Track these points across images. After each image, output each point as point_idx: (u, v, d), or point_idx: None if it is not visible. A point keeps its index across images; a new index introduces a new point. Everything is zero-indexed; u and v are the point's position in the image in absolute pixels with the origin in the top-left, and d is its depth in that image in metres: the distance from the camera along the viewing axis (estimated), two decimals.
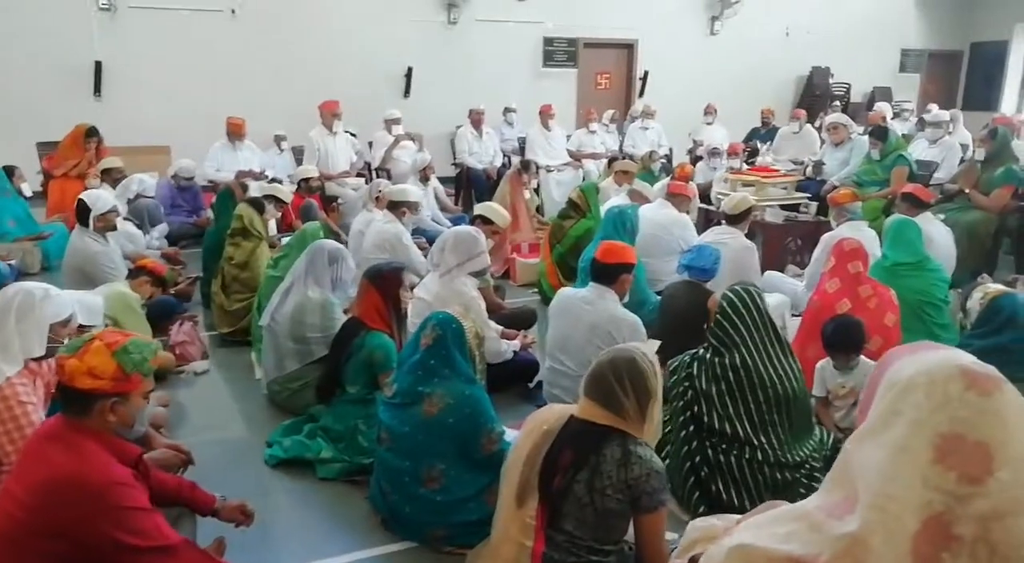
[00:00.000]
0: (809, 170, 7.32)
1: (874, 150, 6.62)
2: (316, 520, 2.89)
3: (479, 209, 4.78)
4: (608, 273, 3.48)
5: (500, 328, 4.17)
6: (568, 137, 9.57)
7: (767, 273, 5.45)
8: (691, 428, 2.85)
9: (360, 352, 3.15)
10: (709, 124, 9.90)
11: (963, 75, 14.71)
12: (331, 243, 3.81)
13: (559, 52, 11.60)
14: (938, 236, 5.08)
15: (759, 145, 8.82)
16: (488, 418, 2.65)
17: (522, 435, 2.25)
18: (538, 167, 8.35)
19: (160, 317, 4.60)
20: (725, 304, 2.84)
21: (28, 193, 6.72)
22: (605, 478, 2.03)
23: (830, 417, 3.37)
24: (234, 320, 4.66)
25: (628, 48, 12.14)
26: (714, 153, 8.22)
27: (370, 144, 8.83)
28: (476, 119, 8.96)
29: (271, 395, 3.80)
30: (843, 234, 4.76)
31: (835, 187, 6.20)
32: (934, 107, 9.83)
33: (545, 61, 11.53)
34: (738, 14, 12.18)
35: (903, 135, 9.07)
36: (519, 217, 6.35)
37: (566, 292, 3.65)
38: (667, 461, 2.98)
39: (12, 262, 5.82)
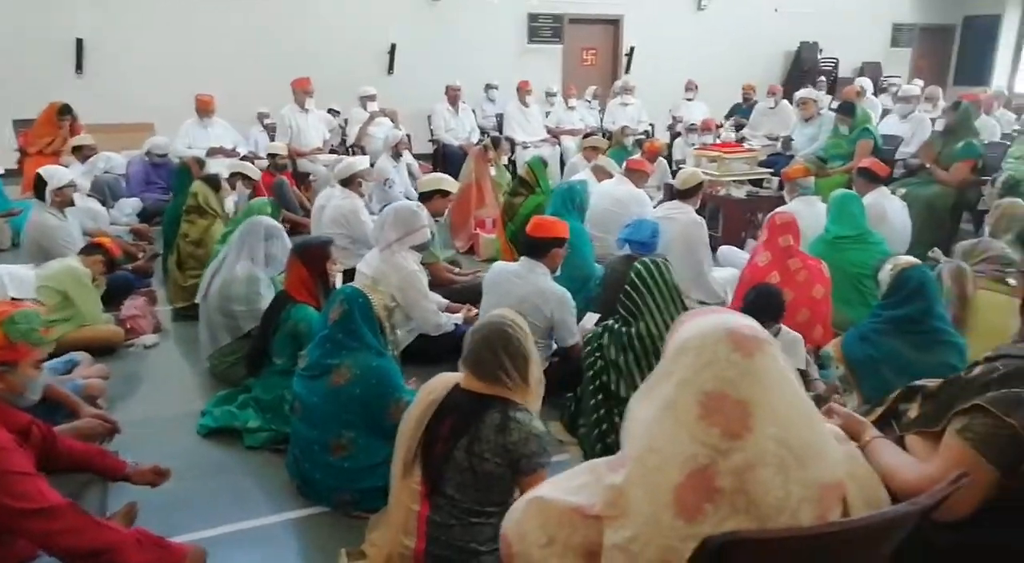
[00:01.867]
0: (779, 145, 7.32)
1: (843, 125, 6.59)
2: (237, 486, 2.96)
3: (423, 185, 4.74)
4: (538, 247, 3.52)
5: (444, 302, 4.23)
6: (547, 114, 9.56)
7: (722, 247, 5.50)
8: (600, 397, 2.91)
9: (286, 324, 3.20)
10: (689, 100, 9.88)
11: (955, 49, 14.54)
12: (268, 219, 3.85)
13: (544, 28, 11.51)
14: (892, 211, 5.10)
15: (742, 121, 8.79)
16: (395, 388, 2.70)
17: (413, 404, 2.31)
18: (514, 144, 8.39)
19: (118, 292, 4.71)
20: (633, 275, 2.89)
21: (0, 170, 6.80)
22: (484, 443, 2.09)
23: None
24: (188, 295, 4.69)
25: (614, 24, 12.05)
26: (691, 129, 8.23)
27: (346, 121, 8.84)
28: (452, 95, 8.97)
29: (211, 368, 3.87)
30: (795, 209, 4.79)
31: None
32: (918, 82, 9.76)
33: (530, 37, 11.44)
34: None
35: (885, 110, 9.04)
36: (484, 193, 6.38)
37: (498, 266, 3.69)
38: (582, 430, 3.06)
39: None
